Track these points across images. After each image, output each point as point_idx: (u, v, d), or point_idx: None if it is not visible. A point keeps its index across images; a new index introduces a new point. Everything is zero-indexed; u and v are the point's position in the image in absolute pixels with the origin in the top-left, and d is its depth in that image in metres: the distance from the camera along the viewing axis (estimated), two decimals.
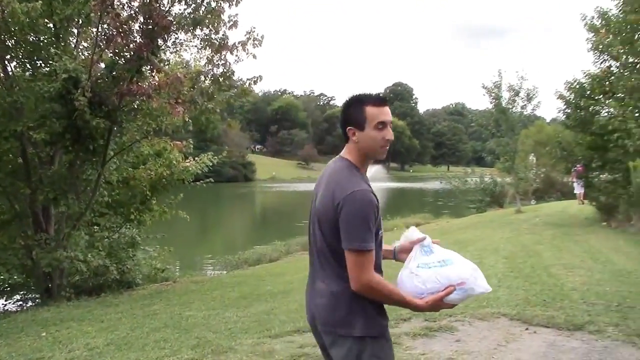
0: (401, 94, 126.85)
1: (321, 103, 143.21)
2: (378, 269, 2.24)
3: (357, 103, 2.34)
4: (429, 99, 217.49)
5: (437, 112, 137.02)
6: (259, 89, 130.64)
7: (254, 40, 9.84)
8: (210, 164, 12.24)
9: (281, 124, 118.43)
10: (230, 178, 76.49)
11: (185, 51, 10.27)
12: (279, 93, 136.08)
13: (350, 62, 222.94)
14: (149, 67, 9.34)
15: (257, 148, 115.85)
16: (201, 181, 12.61)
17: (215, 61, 9.77)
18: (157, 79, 9.47)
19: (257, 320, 6.63)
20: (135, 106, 9.58)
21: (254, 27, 9.83)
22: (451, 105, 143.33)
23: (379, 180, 68.13)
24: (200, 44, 9.69)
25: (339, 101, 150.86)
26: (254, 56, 9.86)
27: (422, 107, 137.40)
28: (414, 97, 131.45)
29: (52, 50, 8.96)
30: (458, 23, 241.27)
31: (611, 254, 9.97)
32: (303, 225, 25.62)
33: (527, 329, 5.40)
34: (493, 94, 21.10)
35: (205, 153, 12.76)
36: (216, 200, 48.58)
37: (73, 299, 9.51)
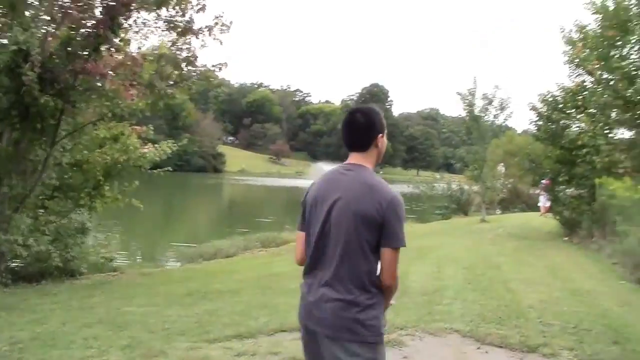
0: (377, 95, 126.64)
1: (297, 99, 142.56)
2: None
3: (380, 113, 2.60)
4: (404, 103, 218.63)
5: (412, 116, 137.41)
6: (235, 80, 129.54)
7: (222, 26, 9.44)
8: (170, 152, 11.73)
9: (255, 117, 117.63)
10: (199, 168, 75.69)
11: (152, 33, 9.79)
12: (255, 86, 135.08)
13: (328, 59, 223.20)
14: (107, 46, 8.83)
15: (229, 140, 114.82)
16: (160, 169, 12.07)
17: (179, 45, 9.31)
18: (115, 59, 8.98)
19: (198, 321, 6.25)
20: (91, 86, 9.04)
21: (223, 12, 9.44)
22: (425, 110, 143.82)
23: None
24: (165, 25, 9.22)
25: (315, 97, 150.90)
26: (221, 42, 9.46)
27: (396, 110, 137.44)
28: (389, 99, 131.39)
29: (3, 20, 8.41)
30: (439, 29, 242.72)
31: (571, 270, 9.81)
32: (267, 222, 25.31)
33: (478, 347, 5.14)
34: (467, 101, 20.98)
35: (172, 141, 12.25)
36: (182, 190, 47.83)
37: (10, 285, 8.97)
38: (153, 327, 5.92)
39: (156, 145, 11.65)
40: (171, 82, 9.48)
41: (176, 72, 9.23)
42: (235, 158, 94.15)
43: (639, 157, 13.88)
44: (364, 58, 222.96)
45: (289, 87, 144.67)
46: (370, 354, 2.35)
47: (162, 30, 9.30)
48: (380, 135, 2.53)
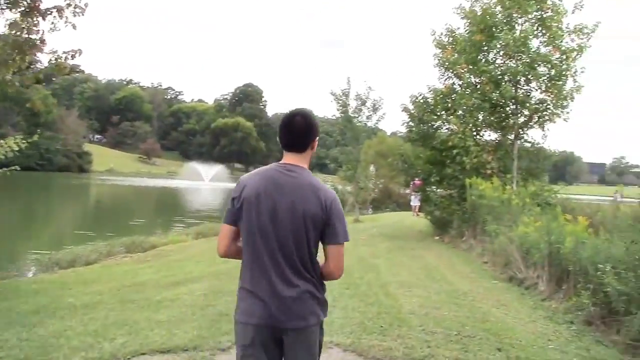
0: (251, 95, 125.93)
1: (168, 97, 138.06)
2: None
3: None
4: (278, 103, 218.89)
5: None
6: (102, 76, 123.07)
7: (75, 8, 8.35)
8: (18, 149, 10.34)
9: (124, 114, 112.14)
10: (62, 167, 70.94)
11: None
12: (124, 82, 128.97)
13: (201, 57, 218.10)
14: None
15: (96, 138, 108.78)
16: (5, 169, 10.63)
17: (22, 26, 8.10)
18: None
19: (41, 345, 5.29)
20: None
21: None
22: None
23: (221, 180, 66.71)
24: (5, 2, 7.99)
25: (188, 96, 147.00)
26: (74, 26, 8.36)
27: (271, 110, 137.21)
28: (263, 99, 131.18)
29: None
30: (312, 31, 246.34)
31: (446, 271, 9.79)
32: (136, 225, 23.82)
33: None
34: (341, 102, 20.98)
35: (21, 137, 10.80)
36: (43, 191, 44.27)
37: None
38: None
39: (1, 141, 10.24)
40: (15, 70, 8.26)
41: (18, 57, 8.01)
42: (103, 157, 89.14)
43: (504, 158, 14.43)
44: (238, 57, 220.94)
45: (161, 85, 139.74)
46: (321, 335, 2.65)
47: (2, 9, 8.05)
48: (317, 138, 2.69)
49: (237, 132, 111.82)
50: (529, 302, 7.65)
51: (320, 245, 2.58)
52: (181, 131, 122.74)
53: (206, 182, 66.97)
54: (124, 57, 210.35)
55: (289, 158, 2.63)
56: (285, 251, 2.49)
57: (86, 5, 8.45)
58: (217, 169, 76.95)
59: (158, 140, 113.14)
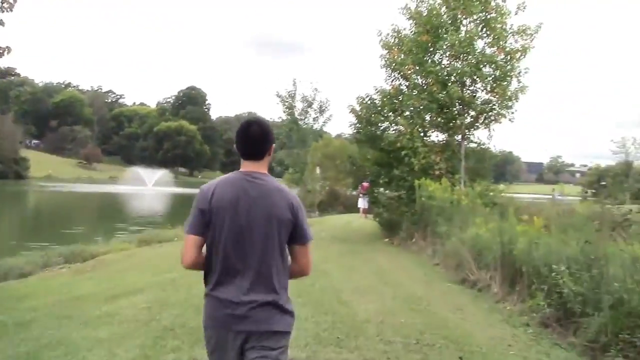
0: (195, 98, 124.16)
1: (109, 100, 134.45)
2: None
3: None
4: (222, 106, 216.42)
5: (230, 120, 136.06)
6: (39, 79, 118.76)
7: (2, 3, 7.78)
8: None
9: (63, 119, 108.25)
10: None
11: None
12: (63, 86, 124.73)
13: (142, 59, 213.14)
14: None
15: (34, 143, 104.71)
16: None
17: None
18: None
19: None
20: None
21: None
22: (244, 114, 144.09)
23: (165, 185, 65.30)
24: None
25: (129, 99, 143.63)
26: (2, 22, 7.79)
27: (215, 114, 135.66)
28: (207, 102, 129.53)
29: None
30: (256, 34, 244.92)
31: (399, 275, 9.64)
32: (76, 233, 22.82)
33: None
34: (287, 104, 20.72)
35: None
36: None
37: None
38: None
39: None
40: None
41: None
42: (41, 163, 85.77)
43: (452, 159, 14.45)
44: (181, 60, 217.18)
45: (101, 88, 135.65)
46: (288, 342, 2.64)
47: None
48: (274, 144, 2.75)
49: (180, 135, 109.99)
50: (483, 305, 7.54)
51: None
52: (123, 135, 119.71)
53: (149, 187, 65.33)
54: (63, 59, 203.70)
55: (249, 166, 2.67)
56: (257, 257, 2.55)
57: (15, 0, 7.90)
58: (161, 173, 75.23)
59: (99, 145, 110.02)
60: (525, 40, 14.14)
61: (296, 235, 2.61)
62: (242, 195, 2.58)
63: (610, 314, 5.46)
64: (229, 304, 2.53)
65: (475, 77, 14.14)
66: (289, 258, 2.68)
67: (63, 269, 13.15)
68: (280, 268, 2.59)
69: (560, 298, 6.35)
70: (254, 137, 2.66)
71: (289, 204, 2.59)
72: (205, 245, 2.63)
